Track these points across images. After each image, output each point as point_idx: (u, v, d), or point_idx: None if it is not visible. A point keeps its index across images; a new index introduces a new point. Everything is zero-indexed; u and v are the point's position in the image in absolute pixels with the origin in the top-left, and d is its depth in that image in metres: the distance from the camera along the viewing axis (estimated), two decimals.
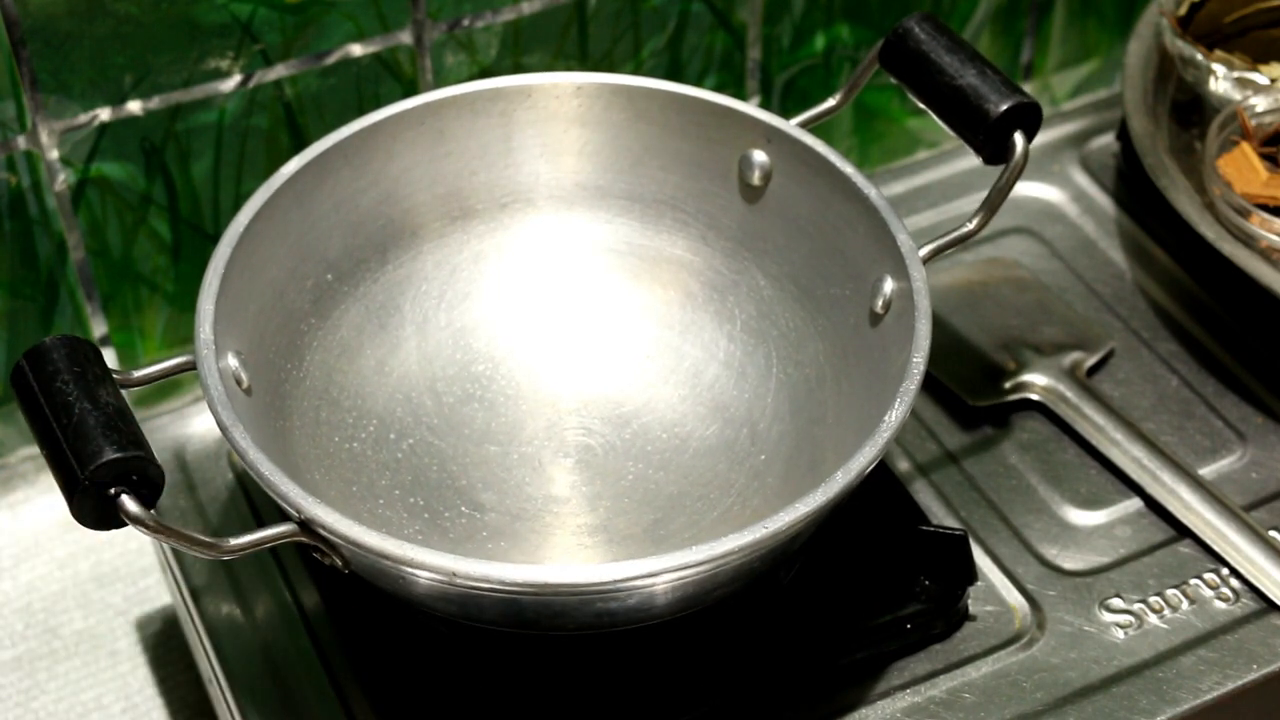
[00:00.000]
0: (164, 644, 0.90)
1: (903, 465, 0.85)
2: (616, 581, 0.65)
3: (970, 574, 0.77)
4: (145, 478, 0.63)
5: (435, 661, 0.75)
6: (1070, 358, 0.89)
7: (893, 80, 0.80)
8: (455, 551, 0.67)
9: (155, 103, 0.86)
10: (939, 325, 0.90)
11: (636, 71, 0.96)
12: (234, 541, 0.65)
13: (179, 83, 0.85)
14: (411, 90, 0.91)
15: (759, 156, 0.81)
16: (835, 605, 0.77)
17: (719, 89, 0.95)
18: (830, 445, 0.76)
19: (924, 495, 0.83)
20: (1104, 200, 0.99)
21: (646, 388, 0.83)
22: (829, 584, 0.77)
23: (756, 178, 0.81)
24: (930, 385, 0.88)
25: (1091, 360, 0.89)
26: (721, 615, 0.74)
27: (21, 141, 0.84)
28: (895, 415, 0.69)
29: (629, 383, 0.83)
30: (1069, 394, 0.87)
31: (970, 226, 0.77)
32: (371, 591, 0.73)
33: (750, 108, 0.81)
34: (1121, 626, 0.78)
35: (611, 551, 0.77)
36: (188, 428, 0.87)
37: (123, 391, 0.66)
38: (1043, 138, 1.00)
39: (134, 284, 0.91)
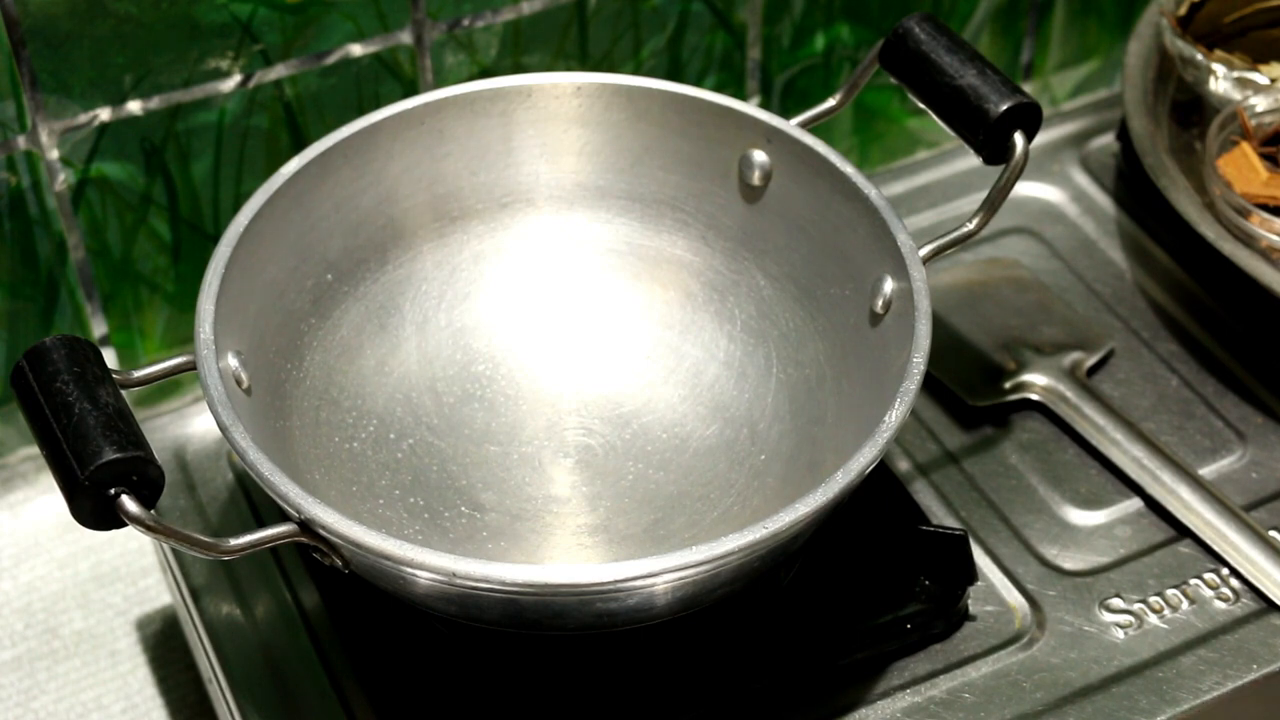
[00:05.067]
0: (164, 644, 0.90)
1: (903, 465, 0.85)
2: (616, 581, 0.65)
3: (970, 574, 0.77)
4: (145, 478, 0.63)
5: (435, 661, 0.75)
6: (1070, 358, 0.89)
7: (893, 80, 0.80)
8: (455, 551, 0.67)
9: (155, 103, 0.86)
10: (939, 325, 0.90)
11: (636, 71, 0.96)
12: (234, 541, 0.65)
13: (179, 83, 0.85)
14: (411, 90, 0.91)
15: (759, 156, 0.81)
16: (835, 605, 0.77)
17: (719, 89, 0.95)
18: (830, 445, 0.76)
19: (924, 495, 0.83)
20: (1104, 200, 0.99)
21: (646, 388, 0.83)
22: (829, 584, 0.77)
23: (756, 178, 0.81)
24: (930, 385, 0.88)
25: (1091, 360, 0.89)
26: (721, 615, 0.75)
27: (21, 141, 0.84)
28: (895, 415, 0.69)
29: (629, 383, 0.83)
30: (1069, 394, 0.87)
31: (970, 226, 0.77)
32: (371, 591, 0.73)
33: (750, 108, 0.81)
34: (1121, 626, 0.78)
35: (611, 551, 0.77)
36: (188, 428, 0.87)
37: (123, 391, 0.66)
38: (1043, 138, 1.00)
39: (134, 284, 0.91)
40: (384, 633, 0.76)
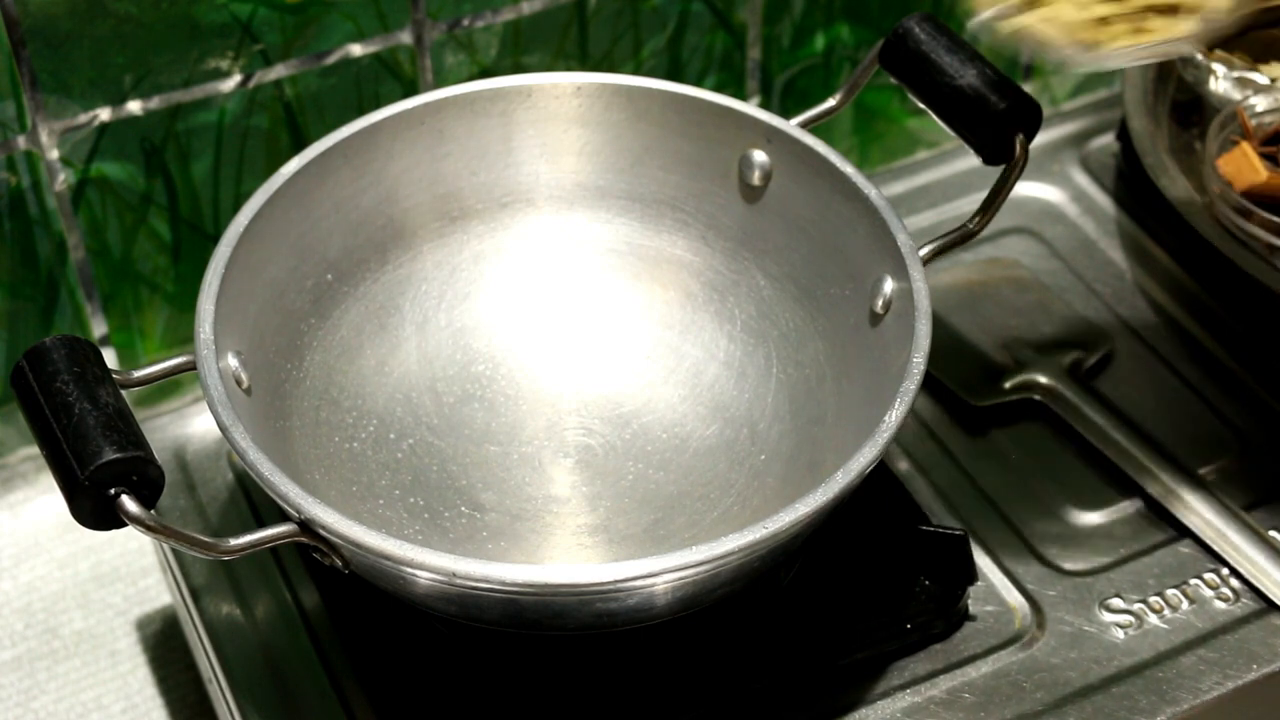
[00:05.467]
0: (164, 644, 0.90)
1: (903, 465, 0.85)
2: (616, 581, 0.65)
3: (970, 574, 0.77)
4: (145, 478, 0.63)
5: (435, 661, 0.75)
6: (1070, 358, 0.89)
7: (893, 80, 0.80)
8: (455, 551, 0.67)
9: (155, 103, 0.86)
10: (939, 325, 0.90)
11: (636, 71, 0.96)
12: (234, 541, 0.65)
13: (179, 83, 0.85)
14: (411, 90, 0.91)
15: (759, 156, 0.81)
16: (835, 605, 0.77)
17: (719, 89, 0.95)
18: (830, 445, 0.76)
19: (924, 495, 0.83)
20: (1104, 200, 0.99)
21: (646, 388, 0.83)
22: (829, 584, 0.77)
23: (756, 178, 0.81)
24: (930, 385, 0.88)
25: (1091, 360, 0.89)
26: (721, 615, 0.75)
27: (21, 141, 0.84)
28: (895, 415, 0.69)
29: (629, 383, 0.83)
30: (1069, 394, 0.87)
31: (970, 226, 0.77)
32: (371, 591, 0.73)
33: (750, 108, 0.81)
34: (1121, 626, 0.78)
35: (611, 551, 0.77)
36: (188, 428, 0.87)
37: (123, 391, 0.66)
38: (1043, 138, 1.00)
39: (134, 284, 0.91)
40: (384, 633, 0.76)
